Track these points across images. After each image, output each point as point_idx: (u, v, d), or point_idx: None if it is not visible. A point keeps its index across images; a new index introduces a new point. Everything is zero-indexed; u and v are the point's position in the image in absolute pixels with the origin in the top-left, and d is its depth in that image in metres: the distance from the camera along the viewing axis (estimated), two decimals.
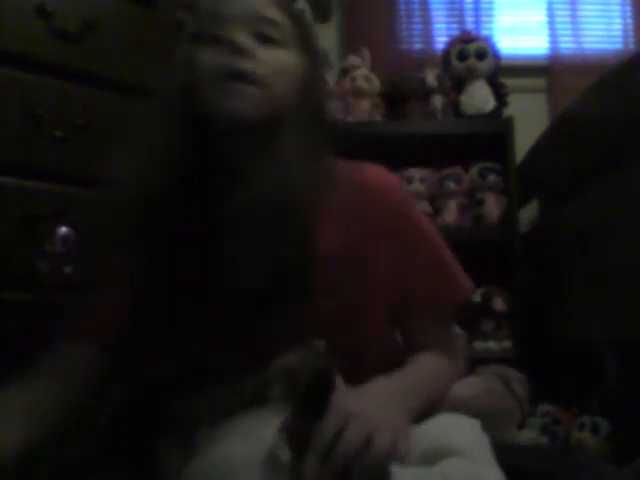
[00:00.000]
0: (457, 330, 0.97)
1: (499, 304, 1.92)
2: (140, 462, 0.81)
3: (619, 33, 2.42)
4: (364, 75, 2.06)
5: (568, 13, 2.41)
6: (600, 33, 2.41)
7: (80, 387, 0.86)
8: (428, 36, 2.38)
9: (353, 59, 2.10)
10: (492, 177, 2.02)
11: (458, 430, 0.71)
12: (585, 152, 1.62)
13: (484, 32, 2.31)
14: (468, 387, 0.80)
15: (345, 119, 1.98)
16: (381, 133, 1.97)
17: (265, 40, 0.84)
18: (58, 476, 0.85)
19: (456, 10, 2.41)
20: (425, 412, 0.76)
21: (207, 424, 0.74)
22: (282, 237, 0.80)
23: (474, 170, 2.05)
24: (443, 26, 2.42)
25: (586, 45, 2.38)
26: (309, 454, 0.61)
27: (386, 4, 2.38)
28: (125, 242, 0.90)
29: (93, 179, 1.33)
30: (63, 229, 1.17)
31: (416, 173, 2.03)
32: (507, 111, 2.03)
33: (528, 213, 2.06)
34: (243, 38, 0.82)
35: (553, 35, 2.39)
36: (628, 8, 2.42)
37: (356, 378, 0.73)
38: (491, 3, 2.43)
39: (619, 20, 2.42)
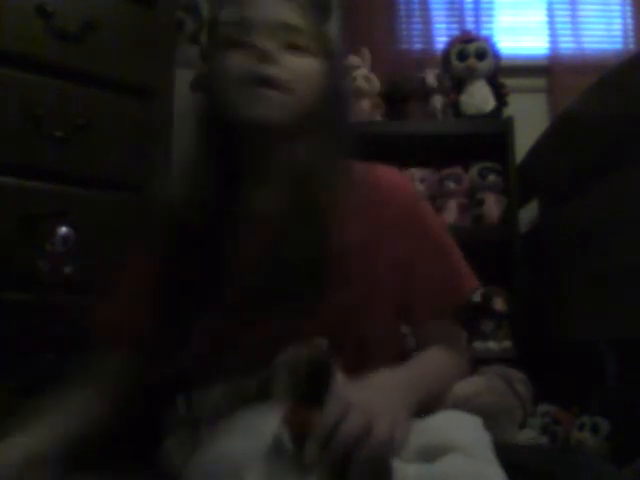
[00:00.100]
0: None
1: (499, 304, 1.92)
2: (142, 461, 0.81)
3: (619, 33, 2.41)
4: (364, 75, 2.05)
5: (568, 13, 2.40)
6: (600, 33, 2.41)
7: (121, 389, 0.90)
8: (428, 36, 2.38)
9: (353, 59, 2.10)
10: (492, 177, 2.02)
11: (460, 427, 0.71)
12: (585, 152, 1.62)
13: (484, 32, 2.31)
14: (470, 385, 0.80)
15: None
16: (381, 133, 1.97)
17: (290, 46, 0.87)
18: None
19: (456, 10, 2.41)
20: (429, 405, 0.76)
21: (208, 421, 0.74)
22: (302, 237, 0.83)
23: (474, 170, 2.05)
24: (443, 26, 2.42)
25: (586, 45, 2.37)
26: (309, 442, 0.62)
27: (386, 4, 2.37)
28: (157, 241, 0.93)
29: (93, 179, 1.34)
30: (63, 229, 1.18)
31: (416, 173, 2.03)
32: (507, 111, 2.03)
33: (528, 213, 2.06)
34: (269, 44, 0.85)
35: (553, 35, 2.38)
36: (628, 8, 2.42)
37: (363, 372, 0.74)
38: (491, 3, 2.43)
39: (619, 20, 2.42)
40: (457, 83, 2.06)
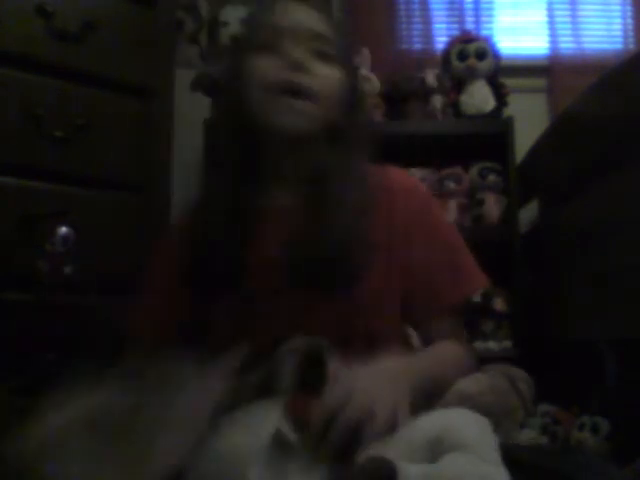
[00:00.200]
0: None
1: (499, 304, 1.92)
2: None
3: (619, 33, 2.41)
4: (364, 75, 2.05)
5: (568, 13, 2.40)
6: (600, 33, 2.41)
7: None
8: (428, 36, 2.38)
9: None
10: (492, 177, 2.02)
11: (468, 425, 0.71)
12: (585, 152, 1.62)
13: (484, 32, 2.31)
14: (474, 383, 0.81)
15: None
16: (381, 133, 1.97)
17: (319, 56, 0.89)
18: None
19: (456, 10, 2.41)
20: (437, 391, 0.79)
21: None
22: (319, 235, 0.85)
23: (474, 170, 2.05)
24: (443, 26, 2.41)
25: (586, 45, 2.37)
26: (311, 426, 0.64)
27: (386, 4, 2.37)
28: (181, 242, 0.95)
29: (93, 179, 1.34)
30: (63, 229, 1.18)
31: (416, 173, 2.03)
32: (507, 111, 2.03)
33: (528, 213, 2.06)
34: (301, 53, 0.86)
35: (553, 35, 2.38)
36: (628, 8, 2.41)
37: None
38: (491, 3, 2.42)
39: (619, 20, 2.42)
40: (457, 83, 2.05)
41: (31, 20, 1.25)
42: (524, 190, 1.95)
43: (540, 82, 2.35)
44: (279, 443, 0.63)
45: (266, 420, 0.66)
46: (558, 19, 2.40)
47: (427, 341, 0.94)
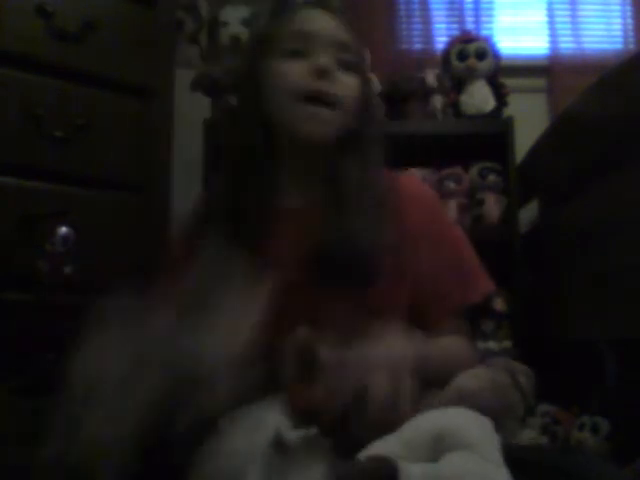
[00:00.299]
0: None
1: (499, 304, 1.92)
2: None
3: (619, 33, 2.41)
4: None
5: (568, 13, 2.40)
6: (600, 33, 2.41)
7: None
8: (428, 36, 2.38)
9: None
10: (492, 177, 2.02)
11: (471, 424, 0.71)
12: (585, 152, 1.62)
13: (484, 32, 2.31)
14: (475, 379, 0.81)
15: None
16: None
17: (343, 64, 0.90)
18: None
19: (456, 10, 2.41)
20: (439, 377, 0.79)
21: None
22: (335, 235, 0.86)
23: (474, 170, 2.05)
24: (443, 26, 2.41)
25: (586, 45, 2.37)
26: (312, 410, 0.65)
27: (386, 4, 2.37)
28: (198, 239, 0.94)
29: (93, 179, 1.34)
30: (63, 229, 1.18)
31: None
32: (507, 111, 2.03)
33: (528, 213, 2.06)
34: (327, 61, 0.87)
35: (553, 35, 2.38)
36: (628, 8, 2.41)
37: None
38: (491, 3, 2.42)
39: (619, 20, 2.42)
40: (457, 83, 2.05)
41: (31, 20, 1.25)
42: (524, 190, 1.95)
43: (540, 82, 2.35)
44: (279, 443, 0.63)
45: (266, 420, 0.66)
46: (558, 19, 2.40)
47: None
